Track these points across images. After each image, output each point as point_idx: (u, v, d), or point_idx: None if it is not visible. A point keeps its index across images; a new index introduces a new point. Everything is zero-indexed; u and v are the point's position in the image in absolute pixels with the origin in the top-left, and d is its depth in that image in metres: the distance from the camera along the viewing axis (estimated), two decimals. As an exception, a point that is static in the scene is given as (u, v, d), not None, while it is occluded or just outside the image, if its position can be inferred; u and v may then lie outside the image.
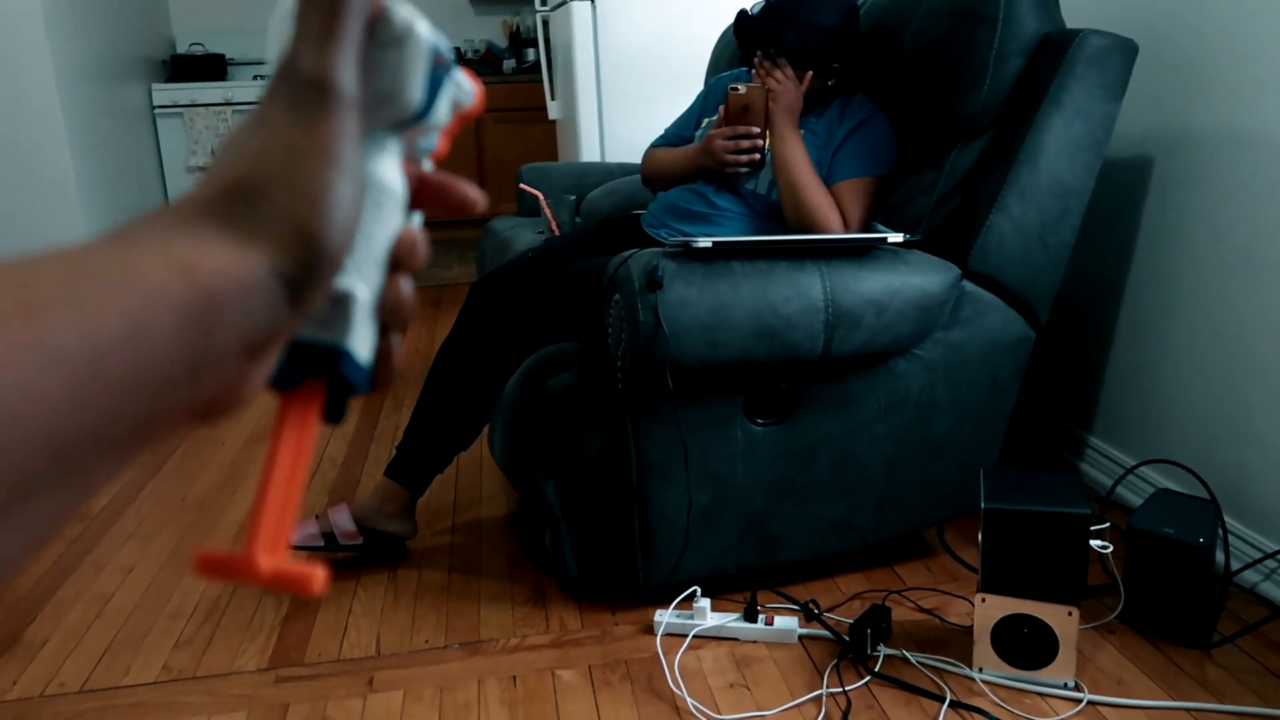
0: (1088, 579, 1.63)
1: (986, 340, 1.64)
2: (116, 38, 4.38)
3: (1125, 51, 1.63)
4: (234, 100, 4.75)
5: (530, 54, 5.21)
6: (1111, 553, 1.48)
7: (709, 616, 1.53)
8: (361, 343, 0.34)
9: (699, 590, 1.57)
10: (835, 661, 1.46)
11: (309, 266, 0.29)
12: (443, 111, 0.36)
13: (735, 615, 1.54)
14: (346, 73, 0.31)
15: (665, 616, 1.54)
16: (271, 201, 0.29)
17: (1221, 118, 1.67)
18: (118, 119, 4.31)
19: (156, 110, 4.70)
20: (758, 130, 1.80)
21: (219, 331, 0.26)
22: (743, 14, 1.87)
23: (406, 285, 0.36)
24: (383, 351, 0.36)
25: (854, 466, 1.62)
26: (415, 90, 0.35)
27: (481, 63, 5.27)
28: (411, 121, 0.35)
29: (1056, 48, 1.63)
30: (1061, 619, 1.36)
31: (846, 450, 1.61)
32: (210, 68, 4.94)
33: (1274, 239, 1.57)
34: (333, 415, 0.34)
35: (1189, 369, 1.77)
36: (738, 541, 1.61)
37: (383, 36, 0.34)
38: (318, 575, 0.29)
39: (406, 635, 1.58)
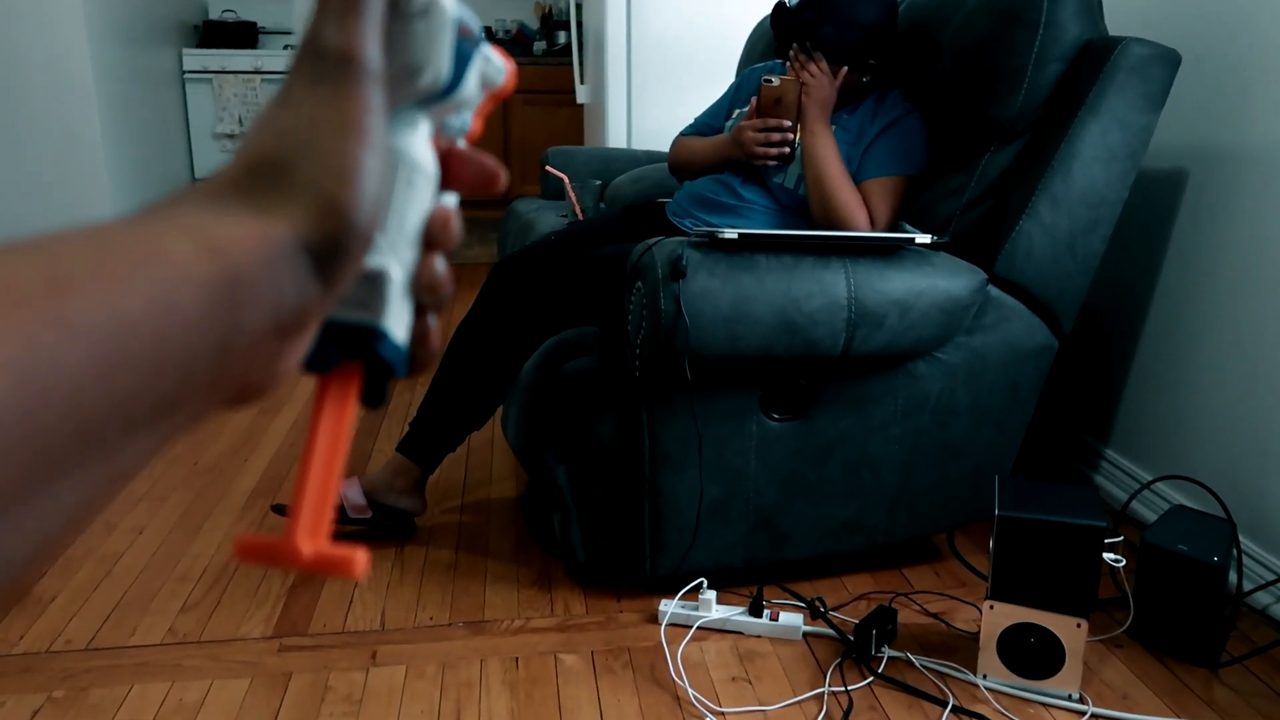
0: (1098, 592, 1.62)
1: (1009, 347, 1.62)
2: (150, 0, 4.38)
3: (1168, 62, 1.61)
4: (264, 69, 4.75)
5: (561, 36, 5.19)
6: (1124, 567, 1.47)
7: (714, 609, 1.53)
8: (397, 323, 0.34)
9: (705, 582, 1.57)
10: (839, 661, 1.46)
11: (336, 240, 0.29)
12: (472, 87, 0.36)
13: (740, 609, 1.54)
14: (370, 46, 0.31)
15: (670, 606, 1.54)
16: (297, 175, 0.29)
17: (1262, 134, 1.64)
18: (147, 82, 4.31)
19: (186, 75, 4.71)
20: (788, 124, 1.78)
21: (246, 308, 0.26)
22: (780, 6, 1.85)
23: (440, 264, 0.35)
24: (419, 332, 0.35)
25: (868, 467, 1.61)
26: (441, 63, 0.34)
27: (512, 43, 5.26)
28: (440, 97, 0.35)
29: (1098, 55, 1.61)
30: (1069, 630, 1.35)
31: (861, 450, 1.60)
32: (241, 35, 4.94)
33: (1307, 259, 1.55)
34: (371, 399, 0.34)
35: (1213, 386, 1.75)
36: (747, 536, 1.60)
37: (406, 9, 0.33)
38: (359, 559, 0.29)
39: (411, 611, 1.58)
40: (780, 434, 1.56)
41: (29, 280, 0.21)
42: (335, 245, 0.29)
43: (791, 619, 1.52)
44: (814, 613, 1.57)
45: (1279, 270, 1.60)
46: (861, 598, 1.64)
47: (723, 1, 3.20)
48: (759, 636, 1.52)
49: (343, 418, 0.32)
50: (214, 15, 5.11)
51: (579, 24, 3.88)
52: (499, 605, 1.61)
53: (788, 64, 1.84)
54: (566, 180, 2.35)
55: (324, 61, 0.31)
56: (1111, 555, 1.40)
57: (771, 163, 1.83)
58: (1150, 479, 1.82)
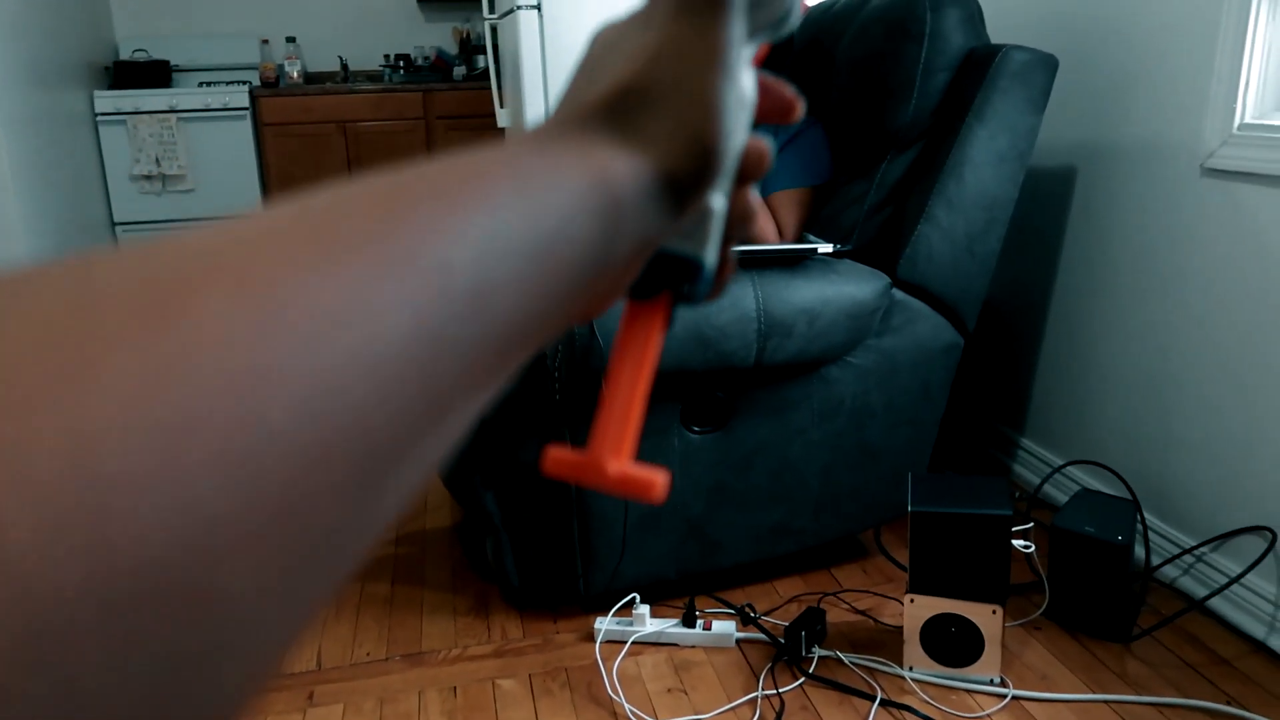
0: (1011, 578, 1.68)
1: (917, 347, 1.68)
2: (57, 43, 4.30)
3: (1046, 66, 1.69)
4: (179, 107, 4.69)
5: (480, 60, 5.20)
6: (1036, 551, 1.53)
7: (648, 623, 1.56)
8: (713, 254, 0.34)
9: (638, 597, 1.59)
10: (771, 664, 1.49)
11: (698, 173, 0.29)
12: (797, 14, 0.35)
13: (674, 621, 1.57)
14: None
15: (605, 624, 1.56)
16: (665, 106, 0.29)
17: (1138, 129, 1.73)
18: (58, 125, 4.23)
19: (99, 117, 4.63)
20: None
21: (621, 233, 0.26)
22: None
23: (755, 195, 0.35)
24: (722, 261, 0.35)
25: (790, 472, 1.66)
26: None
27: (432, 69, 5.26)
28: (773, 25, 0.34)
29: (981, 62, 1.68)
30: (986, 617, 1.40)
31: (783, 456, 1.64)
32: (154, 74, 4.87)
33: (1187, 249, 1.63)
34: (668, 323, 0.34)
35: (1112, 373, 1.83)
36: (678, 547, 1.63)
37: None
38: (661, 480, 0.28)
39: (348, 648, 1.58)
40: (702, 446, 1.60)
41: (465, 197, 0.21)
42: (696, 178, 0.29)
43: (724, 627, 1.56)
44: (745, 619, 1.61)
45: (1166, 258, 1.68)
46: (792, 600, 1.68)
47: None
48: (693, 647, 1.55)
49: (650, 342, 0.32)
50: (125, 55, 5.03)
51: (495, 48, 3.90)
52: (436, 636, 1.61)
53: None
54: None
55: None
56: (1021, 541, 1.46)
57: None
58: (1060, 464, 1.90)
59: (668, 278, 0.33)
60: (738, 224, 0.35)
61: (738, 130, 0.32)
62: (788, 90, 0.36)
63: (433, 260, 0.19)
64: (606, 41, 0.32)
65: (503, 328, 0.21)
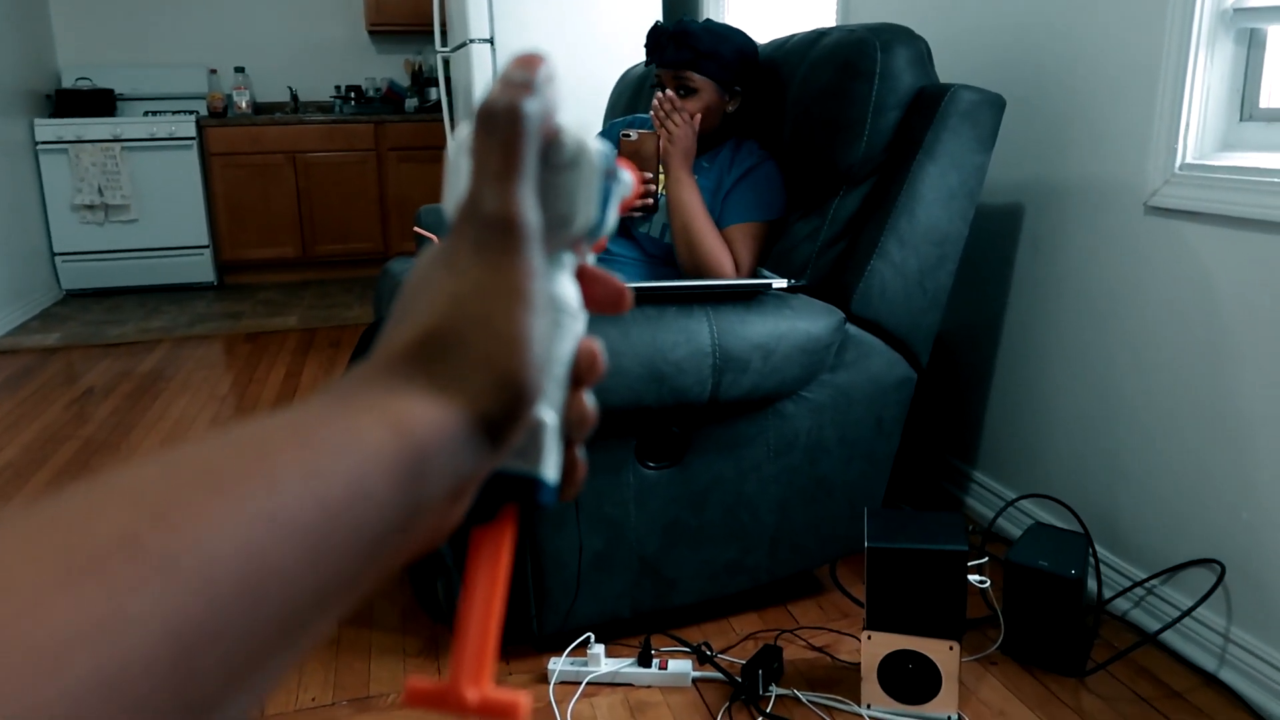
0: (968, 613, 1.68)
1: (871, 382, 1.68)
2: (-5, 70, 4.20)
3: (994, 105, 1.72)
4: (123, 136, 4.61)
5: (433, 93, 5.19)
6: (991, 586, 1.53)
7: (603, 663, 1.53)
8: (552, 465, 0.34)
9: (593, 636, 1.56)
10: (728, 704, 1.47)
11: (511, 410, 0.30)
12: (612, 219, 0.37)
13: (629, 660, 1.54)
14: (527, 207, 0.31)
15: (559, 664, 1.53)
16: (471, 349, 0.29)
17: (1082, 167, 1.77)
18: (-4, 154, 4.12)
19: (39, 146, 4.52)
20: (649, 176, 1.83)
21: (430, 483, 0.27)
22: (657, 24, 1.90)
23: (590, 399, 0.36)
24: (568, 464, 0.36)
25: (746, 508, 1.64)
26: (591, 209, 0.35)
27: (384, 101, 5.23)
28: (586, 237, 0.36)
29: (930, 101, 1.70)
30: (943, 653, 1.39)
31: (738, 492, 1.63)
32: (98, 102, 4.78)
33: (1132, 285, 1.66)
34: (519, 531, 0.34)
35: (1060, 408, 1.85)
36: (632, 585, 1.61)
37: (556, 160, 0.34)
38: (523, 704, 0.30)
39: (292, 695, 1.53)
40: (657, 482, 1.58)
41: (240, 476, 0.21)
42: (509, 415, 0.30)
43: (680, 666, 1.53)
44: (701, 657, 1.59)
45: (1110, 294, 1.71)
46: (749, 638, 1.66)
47: (585, 56, 3.26)
48: (649, 687, 1.52)
49: (499, 563, 0.33)
50: (68, 83, 4.93)
51: (448, 80, 3.90)
52: (384, 679, 1.56)
53: (651, 113, 1.89)
54: (436, 240, 2.34)
55: (484, 228, 0.31)
56: (976, 576, 1.46)
57: (636, 214, 1.86)
58: (1013, 498, 1.91)
59: (508, 495, 0.34)
60: (576, 428, 0.35)
61: (565, 341, 0.34)
62: (616, 281, 0.37)
63: (194, 557, 0.19)
64: (416, 284, 0.32)
65: (282, 607, 0.21)
